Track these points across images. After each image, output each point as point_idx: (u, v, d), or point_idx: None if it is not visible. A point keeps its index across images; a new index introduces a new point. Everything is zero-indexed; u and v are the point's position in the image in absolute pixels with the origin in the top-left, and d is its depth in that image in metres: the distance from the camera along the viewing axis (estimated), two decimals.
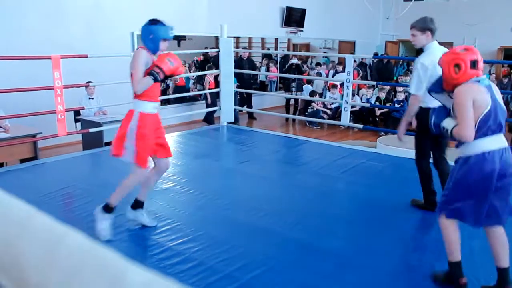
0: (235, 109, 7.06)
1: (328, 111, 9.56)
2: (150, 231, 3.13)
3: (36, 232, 0.47)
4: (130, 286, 0.41)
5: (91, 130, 5.46)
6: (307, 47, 13.23)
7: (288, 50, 12.01)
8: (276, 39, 11.70)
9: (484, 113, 2.23)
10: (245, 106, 9.36)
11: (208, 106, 8.45)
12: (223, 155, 5.68)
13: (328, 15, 12.42)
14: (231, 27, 6.83)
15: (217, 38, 7.08)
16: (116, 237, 3.04)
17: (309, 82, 10.71)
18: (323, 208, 3.68)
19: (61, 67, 4.68)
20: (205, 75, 8.47)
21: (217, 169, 4.88)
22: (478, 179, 2.24)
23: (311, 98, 9.40)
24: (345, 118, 6.02)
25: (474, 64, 2.29)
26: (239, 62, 8.83)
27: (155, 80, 2.78)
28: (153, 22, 2.88)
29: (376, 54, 11.81)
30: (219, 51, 6.62)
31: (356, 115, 9.36)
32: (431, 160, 3.55)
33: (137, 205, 3.11)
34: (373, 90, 9.63)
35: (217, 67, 6.82)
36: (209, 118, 8.70)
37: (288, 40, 12.02)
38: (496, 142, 2.27)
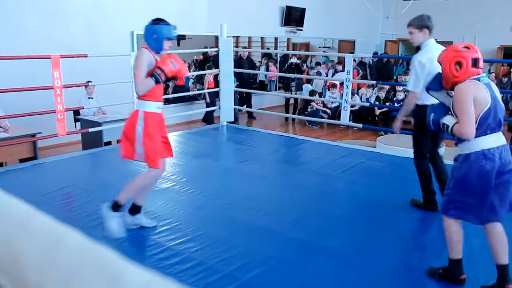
0: (234, 109, 7.06)
1: (328, 111, 9.56)
2: (150, 231, 3.13)
3: (35, 232, 0.48)
4: (129, 286, 0.42)
5: (90, 129, 5.45)
6: (306, 46, 13.23)
7: (287, 49, 12.01)
8: (276, 39, 11.69)
9: (484, 110, 2.24)
10: (245, 106, 9.36)
11: (207, 105, 8.45)
12: (222, 155, 5.68)
13: (327, 14, 12.42)
14: (231, 27, 6.83)
15: (216, 38, 7.07)
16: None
17: (309, 81, 10.70)
18: (322, 207, 3.68)
19: (61, 67, 4.68)
20: (205, 74, 8.47)
21: (217, 168, 4.88)
22: (478, 178, 2.25)
23: (311, 98, 9.40)
24: (345, 118, 6.02)
25: (475, 62, 2.30)
26: (238, 61, 8.83)
27: (157, 82, 2.78)
28: (157, 21, 2.88)
29: (375, 53, 11.81)
30: (218, 50, 6.62)
31: (356, 115, 9.36)
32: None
33: (135, 210, 3.10)
34: (373, 89, 9.63)
35: (217, 67, 6.82)
36: (208, 118, 8.69)
37: (288, 39, 12.02)
38: (495, 139, 2.28)
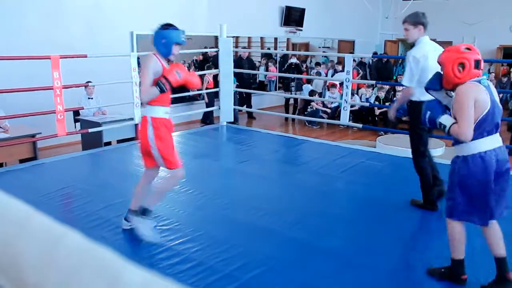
0: (234, 109, 7.06)
1: (328, 111, 9.56)
2: None
3: (34, 232, 0.47)
4: (128, 287, 0.41)
5: (90, 130, 5.45)
6: (306, 46, 13.23)
7: (287, 49, 12.01)
8: (276, 39, 11.70)
9: (484, 113, 2.26)
10: (245, 106, 9.35)
11: (206, 106, 8.44)
12: (222, 155, 5.68)
13: (327, 15, 12.42)
14: (231, 27, 6.83)
15: (216, 38, 7.08)
16: (115, 237, 3.04)
17: (309, 81, 10.70)
18: (322, 207, 3.68)
19: (61, 67, 4.68)
20: (204, 74, 8.47)
21: (217, 169, 4.88)
22: (478, 180, 2.29)
23: (311, 98, 9.40)
24: (345, 118, 6.02)
25: (477, 64, 2.32)
26: (238, 61, 8.83)
27: (161, 91, 2.78)
28: (166, 26, 2.88)
29: (375, 53, 11.82)
30: (218, 50, 6.62)
31: (356, 115, 9.36)
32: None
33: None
34: (373, 89, 9.63)
35: (217, 67, 6.82)
36: (207, 118, 8.68)
37: (288, 39, 12.02)
38: (492, 141, 2.32)
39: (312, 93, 9.78)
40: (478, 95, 2.26)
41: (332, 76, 10.66)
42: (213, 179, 4.46)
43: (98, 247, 0.46)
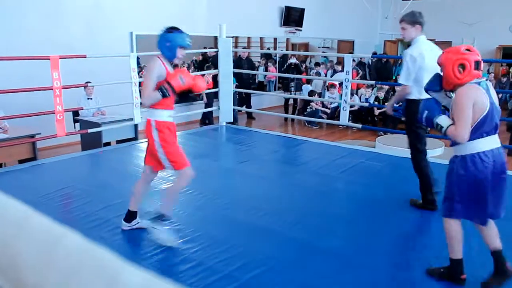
0: (234, 109, 7.06)
1: (327, 111, 9.56)
2: (149, 232, 3.12)
3: (33, 232, 0.47)
4: (127, 287, 0.41)
5: (90, 130, 5.45)
6: (306, 46, 13.23)
7: (287, 49, 12.01)
8: (275, 39, 11.70)
9: (483, 115, 2.29)
10: (244, 106, 9.35)
11: (205, 106, 8.44)
12: (222, 155, 5.68)
13: (326, 15, 12.42)
14: (230, 27, 6.83)
15: (216, 38, 7.07)
16: (114, 237, 3.04)
17: (309, 81, 10.70)
18: (322, 207, 3.68)
19: (60, 68, 4.67)
20: (204, 75, 8.46)
21: (216, 169, 4.87)
22: (476, 180, 2.32)
23: (310, 98, 9.39)
24: (344, 118, 6.02)
25: (477, 65, 2.34)
26: (238, 62, 8.83)
27: (163, 96, 2.78)
28: (170, 29, 2.88)
29: (375, 53, 11.82)
30: (218, 51, 6.61)
31: (355, 115, 9.36)
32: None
33: (131, 216, 3.10)
34: (372, 89, 9.63)
35: (216, 67, 6.82)
36: (206, 119, 8.67)
37: (287, 39, 12.02)
38: (490, 142, 2.35)
39: (311, 93, 9.78)
40: (477, 97, 2.28)
41: (331, 76, 10.65)
42: (213, 179, 4.46)
43: (97, 247, 0.46)
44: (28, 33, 6.45)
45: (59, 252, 0.45)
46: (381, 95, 9.30)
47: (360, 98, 9.62)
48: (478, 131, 2.31)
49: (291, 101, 10.56)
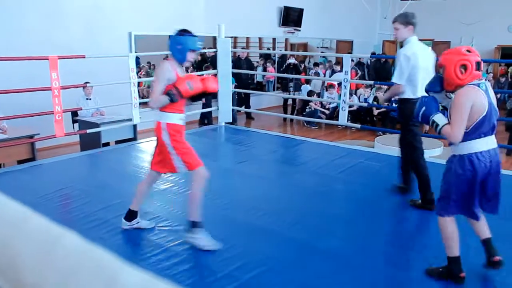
0: (232, 109, 7.06)
1: (326, 111, 9.56)
2: (148, 232, 3.12)
3: (32, 233, 0.47)
4: None
5: (88, 131, 5.45)
6: (304, 46, 13.24)
7: (285, 50, 12.01)
8: (274, 39, 11.70)
9: (481, 116, 2.34)
10: (243, 106, 9.35)
11: (203, 106, 8.43)
12: (221, 155, 5.68)
13: (325, 15, 12.43)
14: (229, 27, 6.83)
15: (214, 38, 7.07)
16: (113, 238, 3.04)
17: (307, 82, 10.71)
18: (321, 207, 3.68)
19: (59, 68, 4.67)
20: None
21: (215, 169, 4.85)
22: (473, 179, 2.37)
23: (309, 98, 9.40)
24: (343, 118, 6.03)
25: (478, 65, 2.38)
26: (237, 62, 8.83)
27: (171, 101, 2.79)
28: (182, 32, 2.88)
29: (373, 53, 11.82)
30: (216, 51, 6.61)
31: (354, 115, 9.36)
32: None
33: (132, 215, 3.10)
34: (371, 89, 9.63)
35: (215, 67, 6.82)
36: (205, 119, 8.66)
37: (286, 39, 12.03)
38: (487, 143, 2.40)
39: (310, 93, 9.78)
40: (476, 99, 2.33)
41: (330, 76, 10.66)
42: (212, 179, 4.42)
43: (96, 248, 0.46)
44: (27, 34, 6.45)
45: (58, 253, 0.45)
46: (380, 95, 9.30)
47: (359, 98, 9.63)
48: (476, 132, 2.35)
49: (290, 101, 10.56)
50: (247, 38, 11.42)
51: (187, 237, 2.89)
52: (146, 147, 5.52)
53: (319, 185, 4.21)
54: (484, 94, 2.35)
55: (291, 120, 9.97)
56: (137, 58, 5.48)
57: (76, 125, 6.30)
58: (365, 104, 8.84)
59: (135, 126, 6.02)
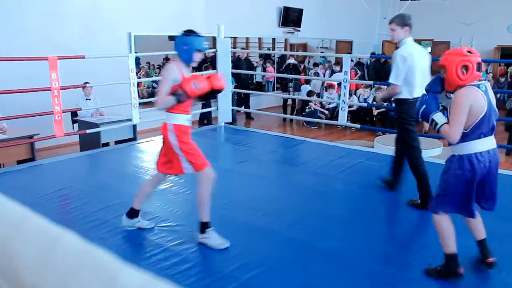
0: (232, 110, 7.05)
1: (326, 111, 9.57)
2: (148, 232, 3.12)
3: (31, 233, 0.47)
4: None
5: (88, 131, 5.45)
6: (304, 47, 13.24)
7: (285, 50, 12.01)
8: (274, 39, 11.70)
9: (481, 116, 2.35)
10: (243, 107, 9.35)
11: (202, 106, 8.42)
12: (220, 156, 5.68)
13: (325, 15, 12.43)
14: (228, 27, 6.83)
15: (214, 38, 7.07)
16: (113, 238, 3.04)
17: (307, 82, 10.71)
18: (321, 207, 3.68)
19: (59, 68, 4.67)
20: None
21: (215, 169, 4.82)
22: (472, 179, 2.39)
23: (309, 98, 9.40)
24: (343, 118, 6.03)
25: (479, 66, 2.40)
26: (236, 62, 8.83)
27: (178, 101, 2.79)
28: (188, 33, 2.87)
29: (373, 53, 11.83)
30: (216, 51, 6.61)
31: (354, 115, 9.36)
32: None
33: (133, 213, 3.10)
34: (370, 89, 9.64)
35: (214, 67, 6.82)
36: (204, 119, 8.65)
37: (285, 40, 12.03)
38: (487, 143, 2.42)
39: (310, 93, 9.78)
40: (476, 100, 2.34)
41: (330, 76, 10.66)
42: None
43: (96, 248, 0.46)
44: (27, 34, 6.45)
45: (57, 253, 0.45)
46: (377, 94, 9.31)
47: (358, 98, 9.63)
48: (476, 132, 2.37)
49: (289, 101, 10.57)
50: (247, 38, 11.42)
51: (200, 238, 2.90)
52: (146, 147, 5.52)
53: (319, 185, 4.21)
54: (484, 95, 2.37)
55: (291, 120, 9.97)
56: (137, 59, 5.48)
57: (76, 125, 6.30)
58: (365, 104, 8.84)
59: (134, 126, 6.02)
